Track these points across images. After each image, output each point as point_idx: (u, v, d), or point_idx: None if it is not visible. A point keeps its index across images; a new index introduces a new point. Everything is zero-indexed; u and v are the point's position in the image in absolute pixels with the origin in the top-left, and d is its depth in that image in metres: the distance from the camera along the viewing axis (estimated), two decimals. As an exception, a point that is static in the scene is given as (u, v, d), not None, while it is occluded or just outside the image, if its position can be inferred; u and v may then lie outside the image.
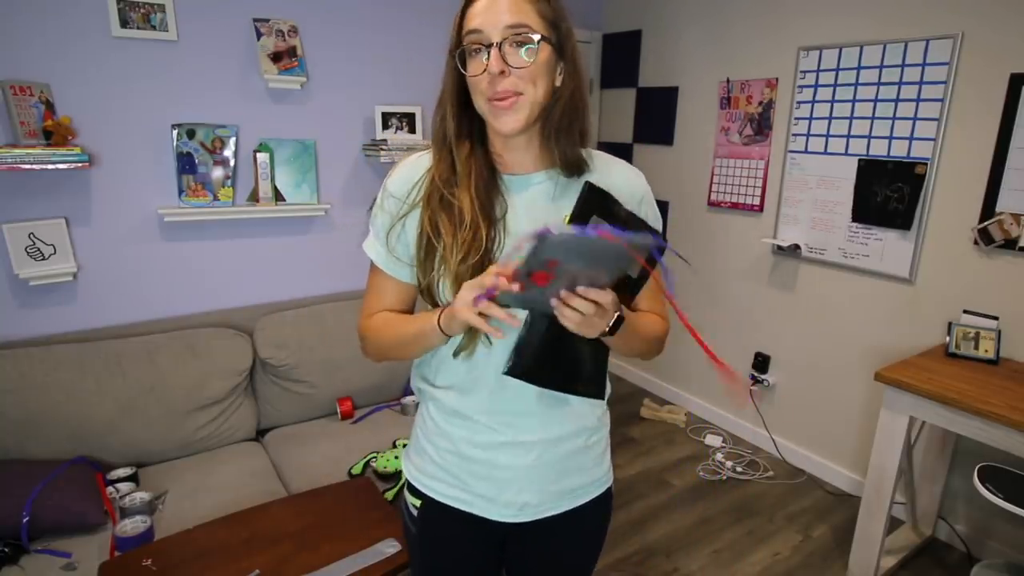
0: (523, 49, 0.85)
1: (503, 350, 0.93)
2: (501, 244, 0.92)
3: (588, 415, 1.04)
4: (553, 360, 0.93)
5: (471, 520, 1.03)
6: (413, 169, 0.97)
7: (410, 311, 1.05)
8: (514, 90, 0.85)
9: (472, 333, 0.93)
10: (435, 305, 0.96)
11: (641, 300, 1.01)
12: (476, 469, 1.00)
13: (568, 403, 1.00)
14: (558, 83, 0.90)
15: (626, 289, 0.93)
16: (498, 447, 0.99)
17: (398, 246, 0.97)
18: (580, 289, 0.78)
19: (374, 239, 1.00)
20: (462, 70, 0.88)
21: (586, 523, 1.10)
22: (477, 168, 0.92)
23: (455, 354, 0.96)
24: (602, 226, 0.72)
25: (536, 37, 0.84)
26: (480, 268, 0.88)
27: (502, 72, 0.84)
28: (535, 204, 0.95)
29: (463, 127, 0.93)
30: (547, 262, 0.73)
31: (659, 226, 1.01)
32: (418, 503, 1.07)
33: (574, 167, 0.95)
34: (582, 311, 0.79)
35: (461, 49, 0.87)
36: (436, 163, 0.95)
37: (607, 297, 0.80)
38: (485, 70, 0.85)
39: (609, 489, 1.11)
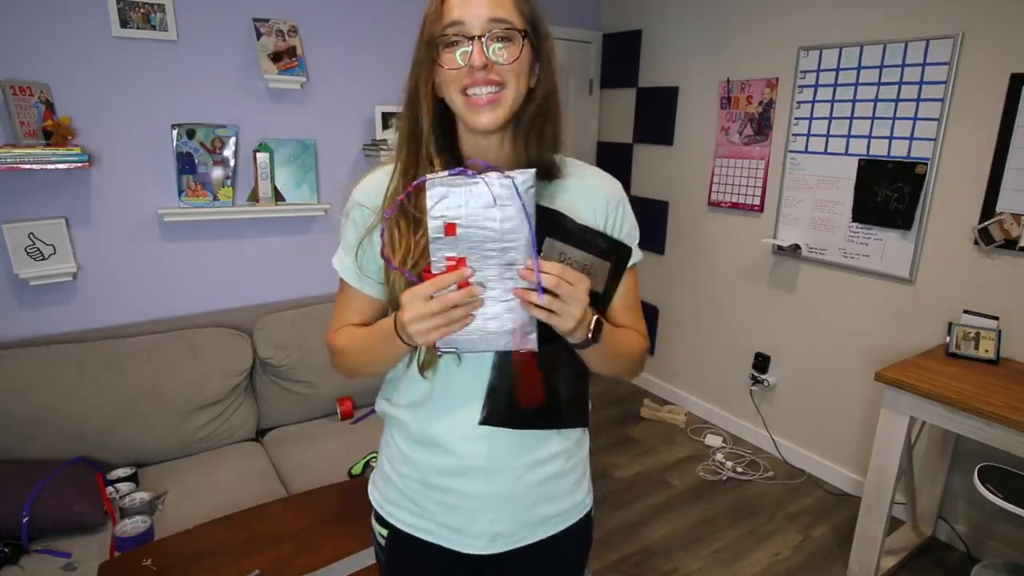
0: (505, 44, 0.81)
1: (473, 366, 0.88)
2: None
3: (565, 438, 0.98)
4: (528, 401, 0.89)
5: (440, 552, 0.97)
6: (384, 177, 0.92)
7: None
8: (499, 80, 0.81)
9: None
10: None
11: (616, 315, 0.95)
12: (443, 498, 0.95)
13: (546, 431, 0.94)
14: (532, 84, 0.86)
15: (594, 306, 0.87)
16: (467, 474, 0.93)
17: (364, 259, 0.93)
18: (528, 266, 0.73)
19: (343, 252, 0.97)
20: (438, 63, 0.82)
21: (563, 552, 1.04)
22: (446, 167, 0.85)
23: (422, 370, 0.90)
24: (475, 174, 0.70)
25: (519, 33, 0.81)
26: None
27: (484, 66, 0.80)
28: None
29: (435, 127, 0.87)
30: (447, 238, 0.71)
31: (635, 234, 0.97)
32: (385, 533, 1.02)
33: (544, 172, 0.89)
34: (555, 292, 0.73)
35: (437, 41, 0.82)
36: (404, 164, 0.89)
37: (574, 274, 0.75)
38: (466, 64, 0.80)
39: (588, 515, 1.05)
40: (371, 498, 1.05)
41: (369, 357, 0.93)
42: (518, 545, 0.98)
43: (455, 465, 0.93)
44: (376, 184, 0.92)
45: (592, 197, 0.93)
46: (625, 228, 0.95)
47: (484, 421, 0.88)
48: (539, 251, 0.79)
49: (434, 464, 0.94)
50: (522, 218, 0.71)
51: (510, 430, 0.91)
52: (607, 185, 0.96)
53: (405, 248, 0.85)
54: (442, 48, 0.82)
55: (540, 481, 0.96)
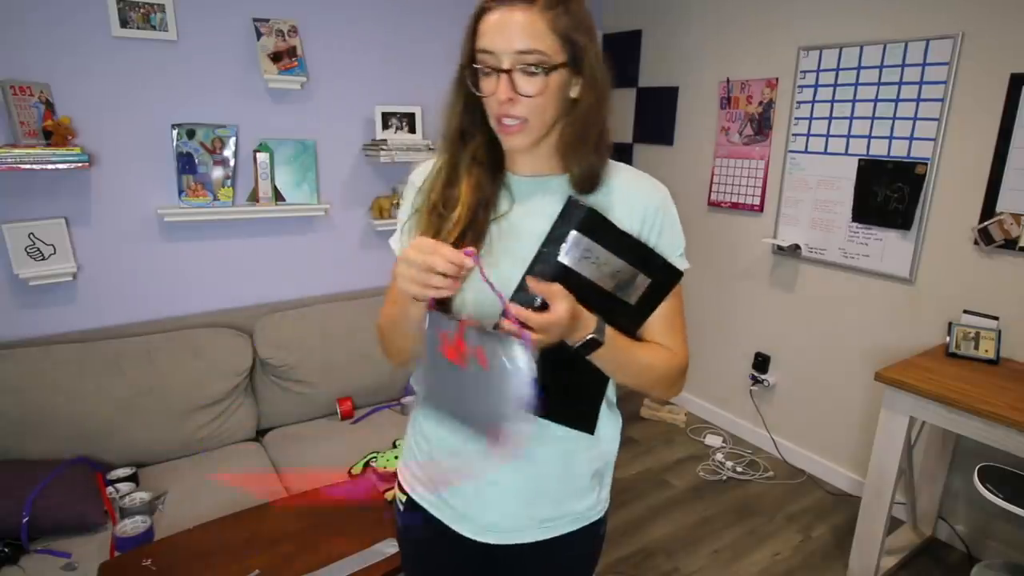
0: (532, 79, 0.82)
1: None
2: (489, 240, 0.91)
3: (571, 442, 0.97)
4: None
5: (444, 529, 1.01)
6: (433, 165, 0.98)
7: None
8: (521, 115, 0.83)
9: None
10: None
11: (650, 331, 0.95)
12: (447, 477, 0.99)
13: (548, 425, 0.93)
14: (574, 94, 0.87)
15: (624, 316, 0.88)
16: (466, 456, 0.95)
17: (406, 236, 0.97)
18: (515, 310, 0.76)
19: (397, 231, 1.01)
20: (472, 89, 0.86)
21: (565, 556, 1.05)
22: (483, 162, 0.92)
23: None
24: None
25: (547, 66, 0.81)
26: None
27: (511, 99, 0.82)
28: (537, 206, 0.92)
29: (473, 125, 0.91)
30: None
31: (678, 242, 0.96)
32: (404, 498, 1.08)
33: (584, 181, 0.90)
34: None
35: (473, 67, 0.85)
36: (447, 164, 0.94)
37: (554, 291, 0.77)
38: (493, 94, 0.83)
39: (595, 526, 1.05)
40: (398, 468, 1.12)
41: (391, 321, 0.95)
42: (513, 541, 0.99)
43: (459, 446, 0.96)
44: (428, 169, 0.97)
45: (628, 203, 0.91)
46: (664, 238, 0.93)
47: None
48: (563, 243, 0.82)
49: (441, 442, 0.99)
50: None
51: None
52: (647, 192, 0.94)
53: (429, 224, 0.91)
54: (480, 74, 0.84)
55: (536, 477, 0.96)
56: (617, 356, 0.86)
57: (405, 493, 1.07)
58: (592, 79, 0.86)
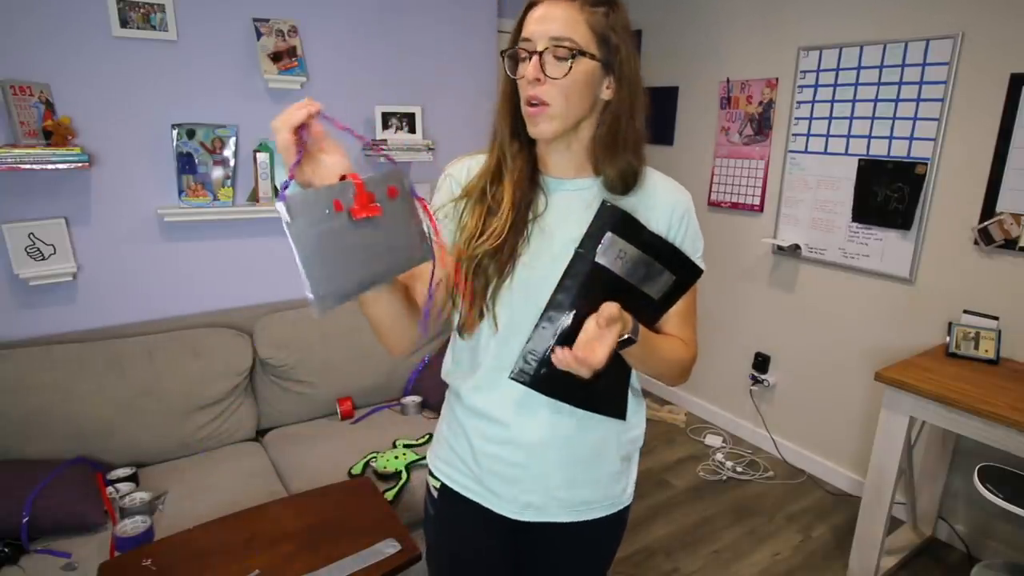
0: (559, 63, 0.87)
1: (510, 338, 0.95)
2: (527, 239, 0.95)
3: (606, 428, 1.03)
4: (563, 371, 0.92)
5: (481, 510, 1.06)
6: (474, 161, 1.02)
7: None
8: (543, 99, 0.88)
9: (469, 307, 0.95)
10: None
11: (668, 324, 1.02)
12: (486, 462, 1.03)
13: (586, 415, 1.00)
14: (606, 97, 0.92)
15: (647, 310, 0.94)
16: (505, 442, 1.00)
17: (445, 226, 1.00)
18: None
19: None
20: (509, 73, 0.92)
21: (592, 539, 1.11)
22: (522, 165, 0.97)
23: (460, 332, 0.99)
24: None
25: (574, 52, 0.87)
26: (495, 254, 0.92)
27: (537, 79, 0.87)
28: (571, 208, 0.96)
29: (516, 125, 0.96)
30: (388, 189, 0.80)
31: (699, 245, 1.02)
32: (438, 484, 1.11)
33: (616, 183, 0.95)
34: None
35: (512, 52, 0.91)
36: (488, 156, 0.99)
37: (612, 310, 0.82)
38: (523, 76, 0.89)
39: (624, 512, 1.11)
40: (428, 455, 1.17)
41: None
42: (547, 519, 1.04)
43: (498, 433, 1.01)
44: (469, 165, 1.02)
45: (657, 206, 0.97)
46: (688, 239, 0.99)
47: (513, 377, 0.94)
48: (598, 244, 0.89)
49: (479, 428, 1.03)
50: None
51: (551, 408, 0.97)
52: (674, 195, 1.00)
53: (474, 223, 0.95)
54: (518, 61, 0.91)
55: (572, 461, 1.01)
56: (645, 351, 0.91)
57: (439, 480, 1.11)
58: (624, 80, 0.91)
